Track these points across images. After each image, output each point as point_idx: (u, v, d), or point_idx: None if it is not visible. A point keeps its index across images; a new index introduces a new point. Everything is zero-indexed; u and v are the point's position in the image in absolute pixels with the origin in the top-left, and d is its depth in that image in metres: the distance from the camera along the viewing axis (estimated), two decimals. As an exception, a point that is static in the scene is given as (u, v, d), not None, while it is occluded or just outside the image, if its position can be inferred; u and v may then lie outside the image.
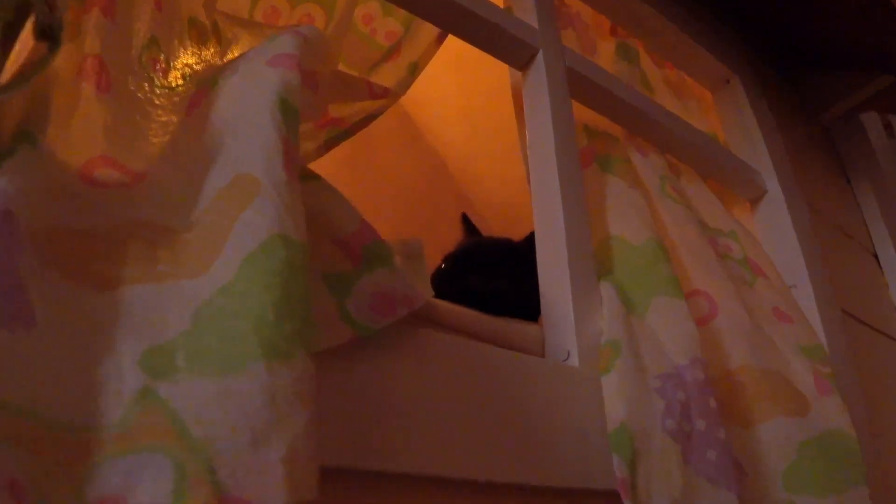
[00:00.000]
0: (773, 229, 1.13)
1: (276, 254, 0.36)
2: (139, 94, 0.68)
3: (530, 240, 0.76)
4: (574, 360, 0.62)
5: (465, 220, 0.95)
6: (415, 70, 1.00)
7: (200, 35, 0.83)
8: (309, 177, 0.52)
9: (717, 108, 1.33)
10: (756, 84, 1.34)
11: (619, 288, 0.71)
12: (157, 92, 0.71)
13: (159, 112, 0.70)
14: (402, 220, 1.62)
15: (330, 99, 0.86)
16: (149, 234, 0.46)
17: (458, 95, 1.67)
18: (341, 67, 0.99)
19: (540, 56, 0.86)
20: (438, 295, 0.65)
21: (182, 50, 0.79)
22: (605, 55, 1.14)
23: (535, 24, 0.89)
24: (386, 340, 0.47)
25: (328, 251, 0.50)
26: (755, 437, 0.70)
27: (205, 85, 0.67)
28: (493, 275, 0.75)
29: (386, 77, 0.99)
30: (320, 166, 1.60)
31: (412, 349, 0.49)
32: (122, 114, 0.63)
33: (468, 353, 0.53)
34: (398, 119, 1.80)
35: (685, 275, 0.83)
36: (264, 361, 0.31)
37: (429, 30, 1.00)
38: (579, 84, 0.91)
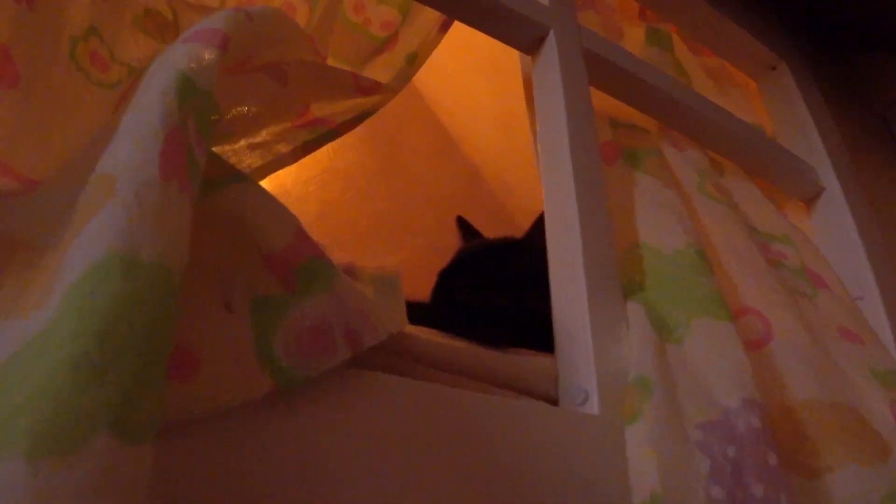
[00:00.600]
0: (833, 233, 0.97)
1: (106, 282, 0.24)
2: (65, 91, 0.58)
3: (537, 229, 0.61)
4: (593, 406, 0.48)
5: (461, 222, 0.80)
6: (414, 61, 0.88)
7: (159, 26, 0.72)
8: (232, 179, 0.40)
9: (763, 97, 1.18)
10: (806, 69, 1.19)
11: (650, 308, 0.57)
12: (93, 88, 0.61)
13: (90, 110, 0.59)
14: (436, 230, 1.53)
15: (310, 95, 0.75)
16: (3, 255, 0.34)
17: (493, 102, 1.61)
18: (332, 63, 0.88)
19: (551, 36, 0.73)
20: (435, 324, 0.52)
21: (133, 42, 0.69)
22: (634, 41, 1.01)
23: (546, 1, 0.77)
24: (312, 388, 0.35)
25: (255, 271, 0.38)
26: (824, 492, 0.55)
27: (138, 77, 0.56)
28: (489, 287, 0.61)
29: (381, 70, 0.87)
30: (351, 179, 1.53)
31: (355, 399, 0.37)
32: (34, 112, 0.52)
33: (442, 403, 0.41)
34: (431, 128, 1.77)
35: (732, 289, 0.68)
36: (26, 459, 0.19)
37: (429, 15, 0.89)
38: (600, 68, 0.77)
